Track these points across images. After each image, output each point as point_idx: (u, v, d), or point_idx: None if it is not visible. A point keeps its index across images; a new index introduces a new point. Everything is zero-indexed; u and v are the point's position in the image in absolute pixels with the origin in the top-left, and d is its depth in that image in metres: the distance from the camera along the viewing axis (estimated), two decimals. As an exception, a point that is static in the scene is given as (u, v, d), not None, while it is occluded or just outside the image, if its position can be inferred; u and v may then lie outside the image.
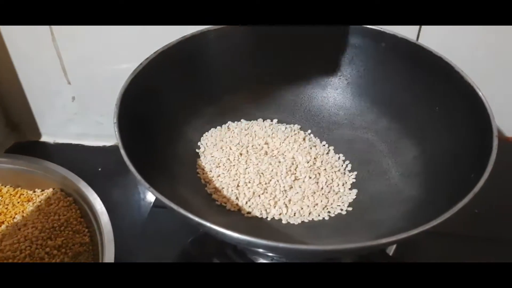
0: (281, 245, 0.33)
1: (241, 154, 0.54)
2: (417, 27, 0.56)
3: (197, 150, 0.55)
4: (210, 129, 0.57)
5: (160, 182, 0.41)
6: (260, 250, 0.45)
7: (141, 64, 0.47)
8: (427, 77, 0.51)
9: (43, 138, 0.72)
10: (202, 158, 0.54)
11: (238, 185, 0.50)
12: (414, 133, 0.52)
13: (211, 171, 0.52)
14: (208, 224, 0.34)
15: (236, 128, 0.57)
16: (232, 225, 0.38)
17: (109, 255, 0.49)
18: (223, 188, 0.50)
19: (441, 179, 0.46)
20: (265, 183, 0.50)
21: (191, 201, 0.46)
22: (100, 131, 0.70)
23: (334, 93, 0.59)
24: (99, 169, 0.66)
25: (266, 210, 0.49)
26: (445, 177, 0.45)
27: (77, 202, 0.57)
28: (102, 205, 0.54)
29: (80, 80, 0.65)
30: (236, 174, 0.51)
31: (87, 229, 0.55)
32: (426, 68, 0.51)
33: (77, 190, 0.57)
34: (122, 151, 0.38)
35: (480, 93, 0.44)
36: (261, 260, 0.48)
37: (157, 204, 0.59)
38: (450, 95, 0.48)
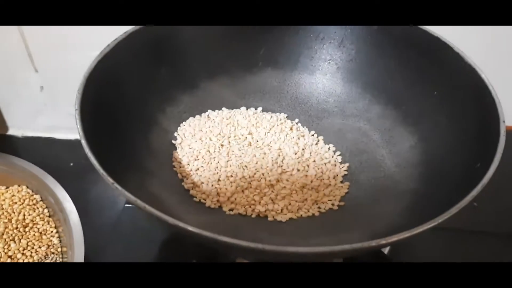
0: (267, 247, 0.30)
1: (222, 145, 0.50)
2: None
3: (173, 142, 0.51)
4: (188, 118, 0.53)
5: (130, 178, 0.37)
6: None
7: (108, 46, 0.44)
8: (424, 59, 0.48)
9: (11, 132, 0.69)
10: (178, 150, 0.50)
11: (219, 180, 0.47)
12: (410, 120, 0.49)
13: (188, 164, 0.48)
14: (180, 225, 0.30)
15: (216, 117, 0.53)
16: (211, 225, 0.34)
17: (78, 258, 0.46)
18: (202, 183, 0.46)
19: (442, 170, 0.43)
20: (249, 177, 0.47)
21: (165, 199, 0.43)
22: (72, 123, 0.64)
23: (323, 79, 0.55)
24: (71, 164, 0.63)
25: (250, 206, 0.45)
26: (446, 167, 0.42)
27: (45, 200, 0.54)
28: (72, 203, 0.50)
29: (49, 67, 0.62)
30: (217, 167, 0.48)
31: (55, 230, 0.52)
32: (423, 49, 0.48)
33: (45, 187, 0.53)
34: (83, 142, 0.34)
35: (483, 75, 0.42)
36: (244, 261, 0.44)
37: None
38: (449, 78, 0.45)
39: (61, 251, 0.50)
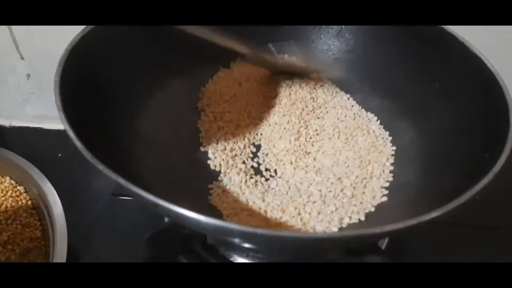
0: (258, 231, 0.27)
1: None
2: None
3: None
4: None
5: (112, 157, 0.34)
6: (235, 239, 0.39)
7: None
8: (426, 49, 0.46)
9: (-2, 121, 0.67)
10: None
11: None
12: (410, 112, 0.48)
13: None
14: (164, 204, 0.27)
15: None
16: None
17: (60, 253, 0.44)
18: None
19: (443, 164, 0.41)
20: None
21: (149, 181, 0.40)
22: (61, 112, 0.64)
23: None
24: (59, 155, 0.61)
25: None
26: (448, 161, 0.41)
27: (29, 192, 0.53)
28: (56, 195, 0.49)
29: (35, 54, 0.60)
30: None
31: (39, 222, 0.50)
32: (425, 39, 0.46)
33: (29, 178, 0.51)
34: (62, 115, 0.32)
35: (489, 65, 0.40)
36: (235, 257, 0.43)
37: (115, 192, 0.54)
38: (454, 69, 0.44)
39: (44, 245, 0.48)
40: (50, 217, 0.47)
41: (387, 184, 0.44)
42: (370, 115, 0.50)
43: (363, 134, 0.48)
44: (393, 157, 0.46)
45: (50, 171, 0.51)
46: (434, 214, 0.28)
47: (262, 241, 0.29)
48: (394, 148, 0.47)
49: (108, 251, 0.49)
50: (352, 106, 0.51)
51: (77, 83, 0.37)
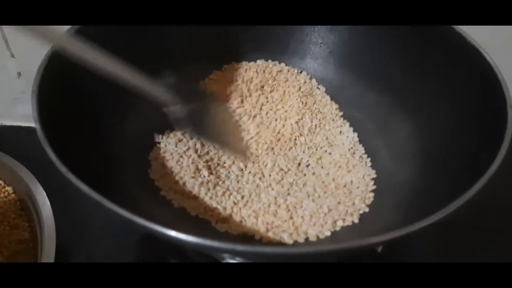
0: (245, 248, 0.27)
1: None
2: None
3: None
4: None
5: (95, 169, 0.34)
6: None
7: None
8: (422, 41, 0.45)
9: (-12, 120, 0.66)
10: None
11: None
12: (407, 108, 0.46)
13: None
14: (144, 223, 0.26)
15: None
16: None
17: (48, 254, 0.43)
18: None
19: (442, 162, 0.40)
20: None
21: (136, 193, 0.39)
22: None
23: (314, 64, 0.53)
24: None
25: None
26: (447, 159, 0.40)
27: (17, 192, 0.51)
28: (45, 196, 0.48)
29: (26, 52, 0.59)
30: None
31: (28, 224, 0.49)
32: (422, 31, 0.44)
33: (18, 179, 0.50)
34: (38, 126, 0.32)
35: (488, 57, 0.38)
36: (228, 261, 0.42)
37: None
38: (451, 61, 0.42)
39: (32, 247, 0.47)
40: (38, 218, 0.46)
41: (372, 183, 0.43)
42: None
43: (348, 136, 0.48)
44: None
45: (40, 171, 0.49)
46: (422, 224, 0.27)
47: (245, 255, 0.28)
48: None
49: (98, 252, 0.48)
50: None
51: (59, 90, 0.37)
